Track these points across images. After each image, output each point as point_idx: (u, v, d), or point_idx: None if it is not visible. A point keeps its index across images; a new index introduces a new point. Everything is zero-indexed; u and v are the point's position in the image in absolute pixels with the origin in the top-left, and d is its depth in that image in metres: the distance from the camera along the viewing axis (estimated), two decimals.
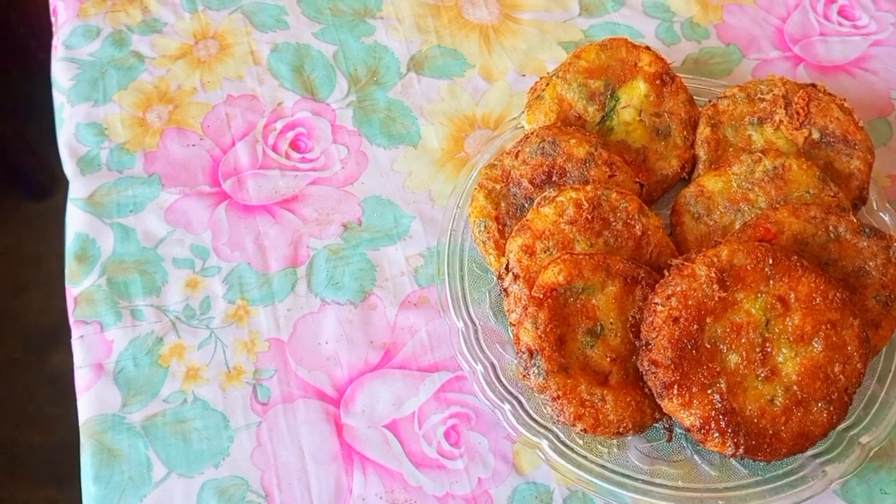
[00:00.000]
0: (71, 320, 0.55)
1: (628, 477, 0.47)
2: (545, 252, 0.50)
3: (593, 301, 0.47)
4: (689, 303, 0.45)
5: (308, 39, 0.66)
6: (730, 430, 0.44)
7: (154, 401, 0.52)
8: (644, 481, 0.47)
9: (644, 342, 0.46)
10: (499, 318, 0.53)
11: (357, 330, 0.54)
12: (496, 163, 0.54)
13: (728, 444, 0.44)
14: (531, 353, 0.46)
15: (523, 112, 0.57)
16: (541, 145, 0.53)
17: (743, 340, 0.45)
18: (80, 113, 0.63)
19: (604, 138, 0.55)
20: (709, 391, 0.44)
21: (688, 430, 0.45)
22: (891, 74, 0.65)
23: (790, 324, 0.45)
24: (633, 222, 0.50)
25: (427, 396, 0.52)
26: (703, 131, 0.55)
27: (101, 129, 0.62)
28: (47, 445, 1.20)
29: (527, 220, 0.50)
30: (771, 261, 0.45)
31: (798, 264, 0.46)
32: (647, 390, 0.47)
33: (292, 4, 0.68)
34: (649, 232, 0.50)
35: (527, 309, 0.46)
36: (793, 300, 0.45)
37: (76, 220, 0.58)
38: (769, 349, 0.45)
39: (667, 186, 0.55)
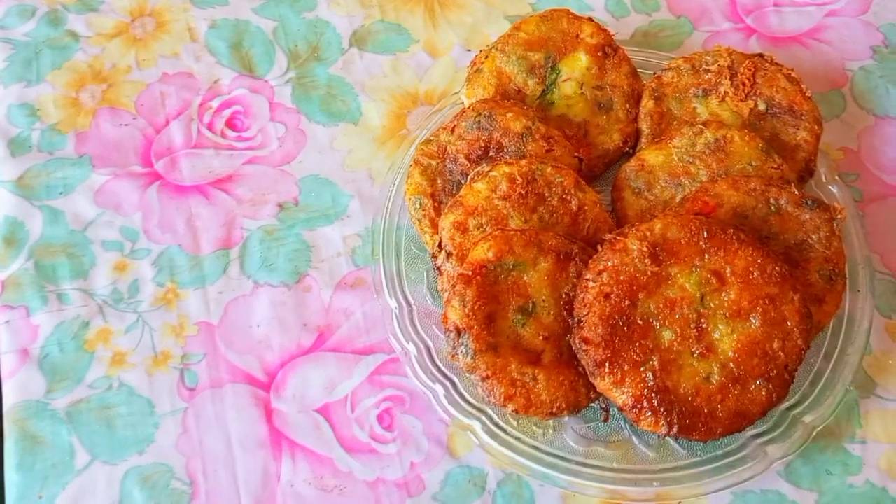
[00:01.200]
0: None
1: (562, 458, 0.46)
2: (478, 228, 0.48)
3: (525, 278, 0.46)
4: (621, 278, 0.44)
5: (247, 15, 0.64)
6: (663, 409, 0.42)
7: (79, 387, 0.50)
8: (578, 462, 0.46)
9: (576, 319, 0.44)
10: (436, 298, 0.51)
11: (290, 312, 0.52)
12: (432, 138, 0.53)
13: (661, 424, 0.43)
14: (459, 332, 0.44)
15: (463, 86, 0.56)
16: (477, 119, 0.52)
17: (677, 316, 0.44)
18: (13, 94, 0.61)
19: (543, 112, 0.54)
20: (641, 369, 0.43)
21: (620, 409, 0.44)
22: (846, 45, 0.63)
23: (726, 299, 0.44)
24: (568, 197, 0.48)
25: (361, 380, 0.50)
26: (647, 104, 0.54)
27: (33, 110, 0.60)
28: None
29: (460, 196, 0.49)
30: (706, 234, 0.44)
31: (734, 237, 0.44)
32: (581, 369, 0.45)
33: None
34: (586, 207, 0.49)
35: (455, 287, 0.45)
36: (729, 274, 0.44)
37: (5, 204, 0.56)
38: (704, 325, 0.44)
39: (609, 161, 0.54)
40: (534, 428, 0.47)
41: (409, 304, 0.51)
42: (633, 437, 0.47)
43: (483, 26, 0.64)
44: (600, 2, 0.65)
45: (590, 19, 0.55)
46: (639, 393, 0.43)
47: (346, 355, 0.51)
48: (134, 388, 0.50)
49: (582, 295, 0.44)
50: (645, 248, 0.44)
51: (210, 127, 0.59)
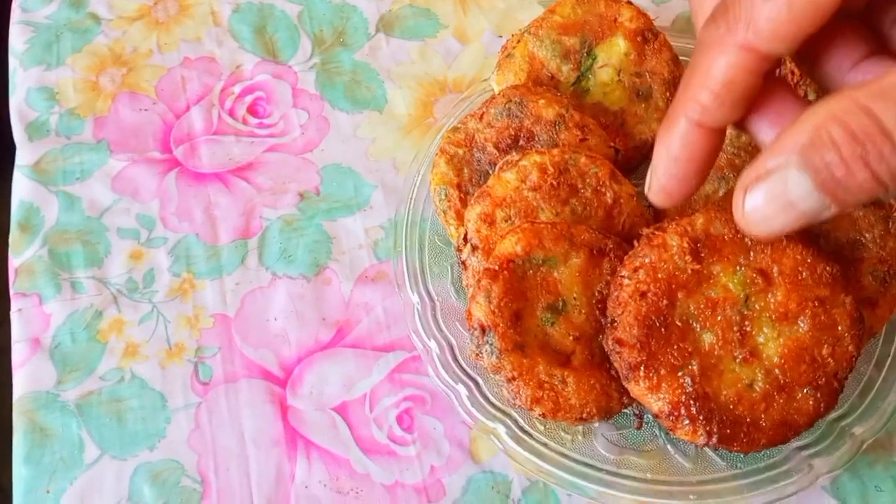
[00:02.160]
0: (11, 292, 0.52)
1: (592, 467, 0.43)
2: (506, 221, 0.45)
3: (555, 274, 0.43)
4: (659, 276, 0.40)
5: None
6: (701, 417, 0.39)
7: (90, 378, 0.48)
8: (610, 472, 0.43)
9: (610, 319, 0.41)
10: (460, 293, 0.49)
11: (309, 306, 0.50)
12: (460, 126, 0.50)
13: (699, 433, 0.39)
14: (483, 330, 0.42)
15: (493, 73, 0.53)
16: (507, 106, 0.49)
17: (719, 318, 0.40)
18: (32, 77, 0.60)
19: (578, 100, 0.51)
20: (679, 374, 0.40)
21: (656, 416, 0.40)
22: None
23: (772, 300, 0.40)
24: (603, 189, 0.46)
25: (380, 378, 0.48)
26: None
27: (51, 94, 0.59)
28: None
29: (487, 187, 0.46)
30: None
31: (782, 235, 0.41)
32: (613, 372, 0.42)
33: None
34: (622, 200, 0.46)
35: (480, 282, 0.42)
36: (776, 274, 0.41)
37: (21, 188, 0.55)
38: (748, 328, 0.40)
39: (647, 152, 0.51)
40: (562, 433, 0.45)
41: (431, 299, 0.48)
42: (669, 446, 0.44)
43: (516, 11, 0.61)
44: None
45: (629, 3, 0.52)
46: (676, 399, 0.40)
47: (365, 352, 0.49)
48: (146, 380, 0.48)
49: (616, 293, 0.41)
50: (686, 244, 0.41)
51: (231, 113, 0.57)
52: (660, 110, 0.51)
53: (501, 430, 0.44)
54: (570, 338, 0.43)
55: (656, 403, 0.40)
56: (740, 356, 0.40)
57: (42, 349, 0.49)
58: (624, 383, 0.41)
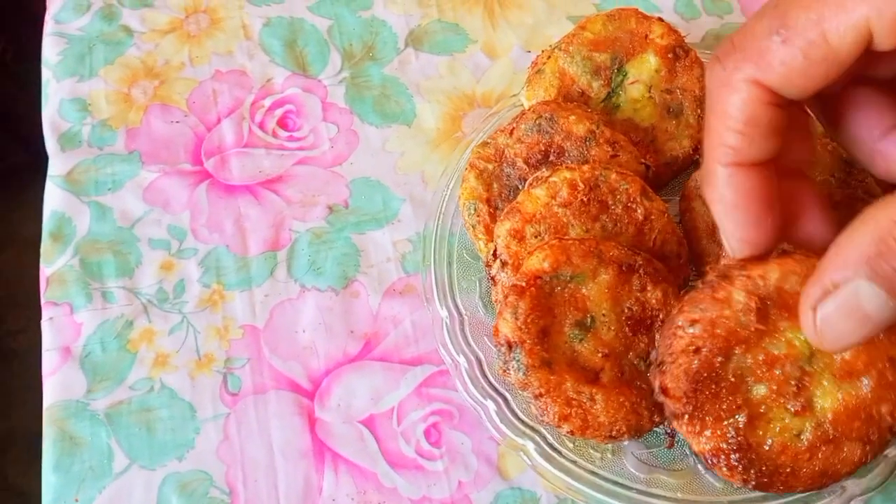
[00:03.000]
0: (42, 301, 0.52)
1: (622, 486, 0.43)
2: (536, 237, 0.45)
3: (583, 290, 0.43)
4: (717, 331, 0.38)
5: (302, 13, 0.63)
6: (740, 467, 0.38)
7: (120, 387, 0.49)
8: (640, 491, 0.43)
9: (658, 360, 0.39)
10: (488, 308, 0.49)
11: (337, 318, 0.51)
12: (489, 141, 0.50)
13: (737, 478, 0.38)
14: (510, 346, 0.42)
15: (523, 88, 0.53)
16: (537, 122, 0.49)
17: (777, 373, 0.38)
18: (65, 88, 0.60)
19: (608, 116, 0.51)
20: (724, 423, 0.38)
21: (696, 454, 0.39)
22: None
23: (839, 359, 0.38)
24: (634, 206, 0.46)
25: (408, 391, 0.48)
26: None
27: (84, 105, 0.59)
28: (9, 433, 1.19)
29: (517, 203, 0.46)
30: None
31: None
32: (644, 387, 0.42)
33: None
34: (652, 217, 0.46)
35: (507, 298, 0.42)
36: None
37: (53, 198, 0.56)
38: (807, 383, 0.38)
39: (677, 169, 0.51)
40: (591, 451, 0.44)
41: (460, 314, 0.48)
42: (699, 466, 0.44)
43: (544, 27, 0.61)
44: (669, 3, 0.62)
45: (660, 19, 0.52)
46: (717, 447, 0.38)
47: (392, 365, 0.49)
48: (176, 391, 0.49)
49: (669, 341, 0.38)
50: (753, 304, 0.37)
51: (261, 126, 0.58)
52: (691, 127, 0.51)
53: (530, 446, 0.44)
54: (599, 354, 0.43)
55: (697, 445, 0.38)
56: (793, 409, 0.38)
57: (73, 358, 0.50)
58: (668, 425, 0.41)
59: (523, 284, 0.43)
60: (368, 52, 0.61)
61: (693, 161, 0.51)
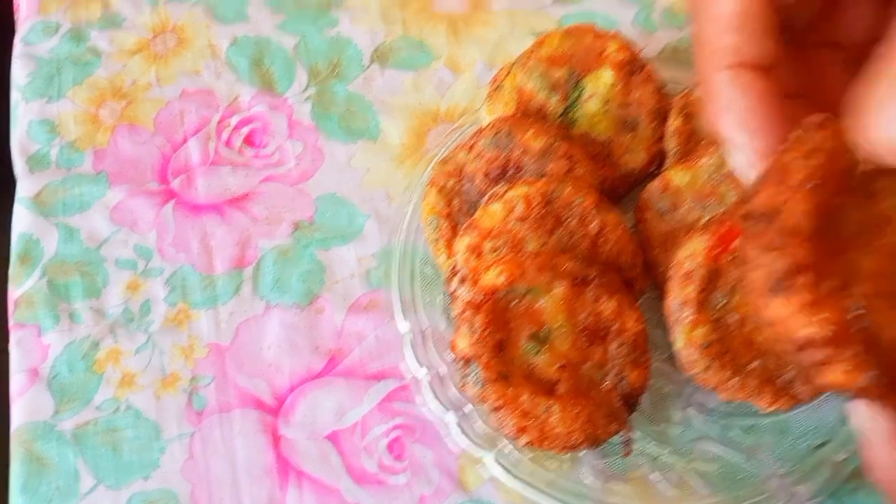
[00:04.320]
0: (10, 324, 0.53)
1: (579, 495, 0.44)
2: (494, 252, 0.46)
3: (539, 304, 0.44)
4: (835, 167, 0.30)
5: (269, 32, 0.64)
6: (864, 354, 0.28)
7: (86, 408, 0.49)
8: (595, 500, 0.44)
9: (769, 210, 0.29)
10: (450, 322, 0.49)
11: (302, 335, 0.51)
12: (450, 157, 0.51)
13: (862, 372, 0.28)
14: (467, 361, 0.42)
15: (483, 104, 0.54)
16: (495, 138, 0.50)
17: (883, 234, 0.30)
18: (34, 110, 0.61)
19: (566, 130, 0.52)
20: (844, 297, 0.29)
21: (802, 346, 0.29)
22: None
23: None
24: (588, 219, 0.46)
25: (371, 406, 0.49)
26: (674, 122, 0.51)
27: (52, 126, 0.60)
28: None
29: (475, 219, 0.47)
30: None
31: None
32: (598, 399, 0.43)
33: None
34: (607, 229, 0.46)
35: (463, 313, 0.43)
36: None
37: (21, 220, 0.56)
38: None
39: (633, 181, 0.51)
40: (549, 462, 0.45)
41: (422, 328, 0.49)
42: (654, 474, 0.44)
43: (507, 43, 0.62)
44: (628, 16, 0.63)
45: (616, 35, 0.53)
46: (844, 322, 0.29)
47: (357, 381, 0.50)
48: (141, 411, 0.49)
49: (776, 175, 0.30)
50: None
51: (228, 144, 0.59)
52: (646, 140, 0.51)
53: (489, 458, 0.45)
54: (555, 366, 0.43)
55: (809, 328, 0.29)
56: None
57: (40, 380, 0.50)
58: (759, 298, 0.30)
59: (479, 299, 0.43)
60: (334, 70, 0.62)
61: (648, 173, 0.52)
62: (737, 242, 0.42)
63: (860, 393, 0.28)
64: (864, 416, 0.28)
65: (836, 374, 0.28)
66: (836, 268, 0.29)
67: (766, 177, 0.30)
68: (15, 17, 0.68)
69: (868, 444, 0.28)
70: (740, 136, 0.29)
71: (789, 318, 0.29)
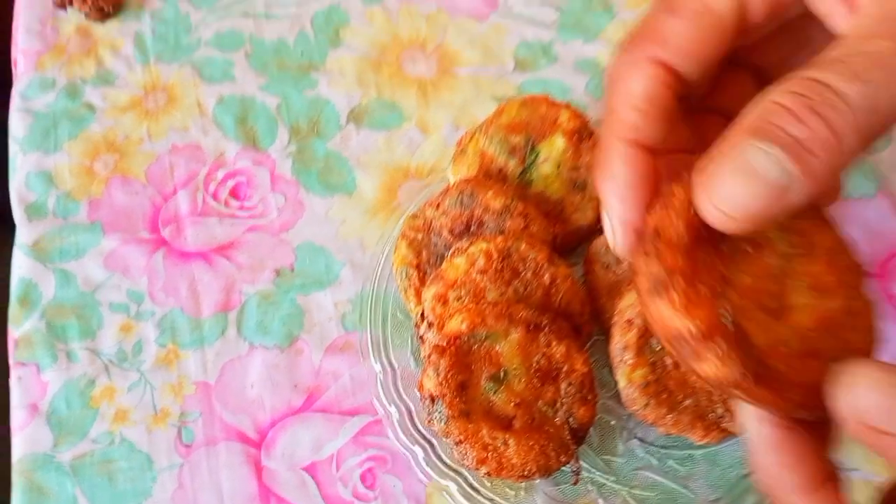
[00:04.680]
0: (11, 362, 0.57)
1: None
2: (458, 300, 0.52)
3: (497, 348, 0.49)
4: None
5: (253, 92, 0.69)
6: (733, 347, 0.32)
7: (83, 441, 0.54)
8: None
9: (654, 229, 0.33)
10: (419, 363, 0.55)
11: (282, 374, 0.56)
12: (419, 213, 0.57)
13: (733, 362, 0.31)
14: (433, 399, 0.48)
15: (449, 165, 0.60)
16: (459, 197, 0.56)
17: (759, 256, 0.34)
18: (31, 162, 0.65)
19: (523, 191, 0.58)
20: (717, 302, 0.33)
21: (674, 337, 0.32)
22: None
23: (812, 269, 0.35)
24: (542, 272, 0.52)
25: (346, 440, 0.54)
26: None
27: (49, 178, 0.65)
28: None
29: (441, 270, 0.53)
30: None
31: (826, 217, 0.36)
32: (552, 431, 0.48)
33: (240, 58, 0.71)
34: (558, 280, 0.52)
35: (430, 356, 0.48)
36: (815, 241, 0.35)
37: (21, 266, 0.61)
38: (785, 285, 0.34)
39: (582, 237, 0.58)
40: (507, 490, 0.50)
41: (393, 368, 0.54)
42: (600, 500, 0.50)
43: (471, 106, 0.68)
44: (580, 84, 0.69)
45: (567, 105, 0.59)
46: (713, 319, 0.32)
47: (333, 416, 0.55)
48: (134, 443, 0.53)
49: (663, 201, 0.33)
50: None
51: (215, 196, 0.64)
52: (594, 199, 0.58)
53: (453, 487, 0.50)
54: (512, 404, 0.49)
55: (685, 321, 0.31)
56: (775, 307, 0.34)
57: (40, 414, 0.54)
58: (643, 300, 0.33)
59: (444, 344, 0.49)
60: (313, 128, 0.67)
61: (596, 230, 0.58)
62: None
63: (730, 386, 0.31)
64: (749, 424, 0.32)
65: (709, 366, 0.32)
66: (711, 279, 0.33)
67: (657, 205, 0.33)
68: (13, 72, 0.73)
69: (753, 449, 0.31)
70: (614, 204, 0.33)
71: (665, 316, 0.32)
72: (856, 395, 0.28)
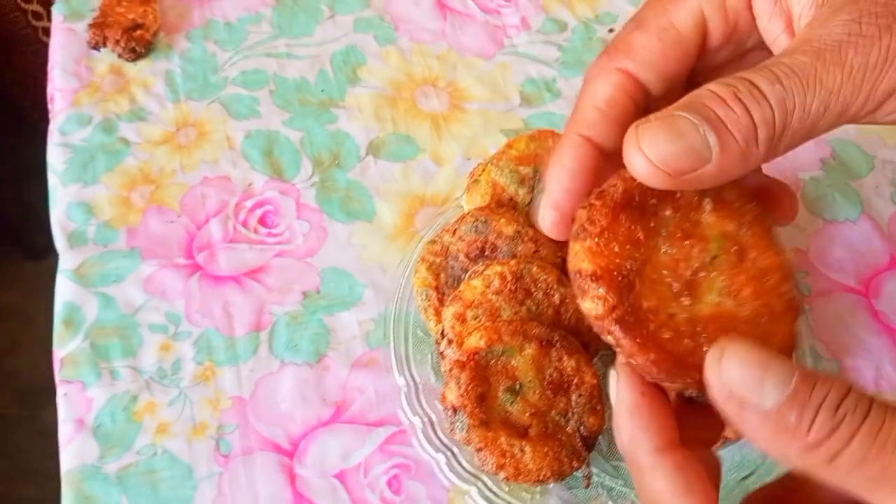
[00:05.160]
0: (57, 379, 0.61)
1: None
2: (475, 319, 0.56)
3: (512, 362, 0.54)
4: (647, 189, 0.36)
5: (278, 127, 0.74)
6: (615, 294, 0.35)
7: (128, 453, 0.58)
8: None
9: (601, 191, 0.36)
10: (438, 376, 0.59)
11: (311, 389, 0.60)
12: (437, 239, 0.61)
13: (604, 303, 0.35)
14: (455, 410, 0.52)
15: (463, 194, 0.65)
16: (474, 224, 0.60)
17: (685, 244, 0.37)
18: (71, 193, 0.70)
19: (531, 218, 0.62)
20: (620, 258, 0.36)
21: (573, 273, 0.36)
22: (798, 157, 0.72)
23: (733, 274, 0.37)
24: (552, 292, 0.57)
25: (372, 449, 0.58)
26: None
27: (89, 208, 0.69)
28: (37, 499, 1.24)
29: (459, 291, 0.57)
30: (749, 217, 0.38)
31: (771, 236, 0.39)
32: (564, 439, 0.53)
33: (265, 95, 0.76)
34: (567, 300, 0.57)
35: (451, 371, 0.53)
36: (749, 258, 0.38)
37: (65, 290, 0.65)
38: (702, 275, 0.37)
39: None
40: (523, 493, 0.55)
41: (415, 382, 0.59)
42: (610, 503, 0.54)
43: (481, 139, 0.73)
44: None
45: None
46: (608, 266, 0.35)
47: (359, 427, 0.59)
48: (175, 454, 0.58)
49: (606, 187, 0.36)
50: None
51: (244, 224, 0.68)
52: None
53: (474, 491, 0.54)
54: (527, 414, 0.53)
55: (583, 263, 0.36)
56: (677, 289, 0.37)
57: (86, 428, 0.58)
58: (571, 240, 0.37)
59: (464, 359, 0.53)
60: (335, 160, 0.72)
61: None
62: None
63: (603, 327, 0.35)
64: (614, 389, 0.35)
65: (588, 303, 0.36)
66: (626, 240, 0.36)
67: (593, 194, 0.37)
68: (49, 107, 0.77)
69: (616, 413, 0.35)
70: (552, 186, 0.37)
71: (575, 255, 0.36)
72: (728, 367, 0.30)
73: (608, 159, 0.36)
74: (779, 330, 0.37)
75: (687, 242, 0.37)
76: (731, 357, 0.30)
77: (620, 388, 0.35)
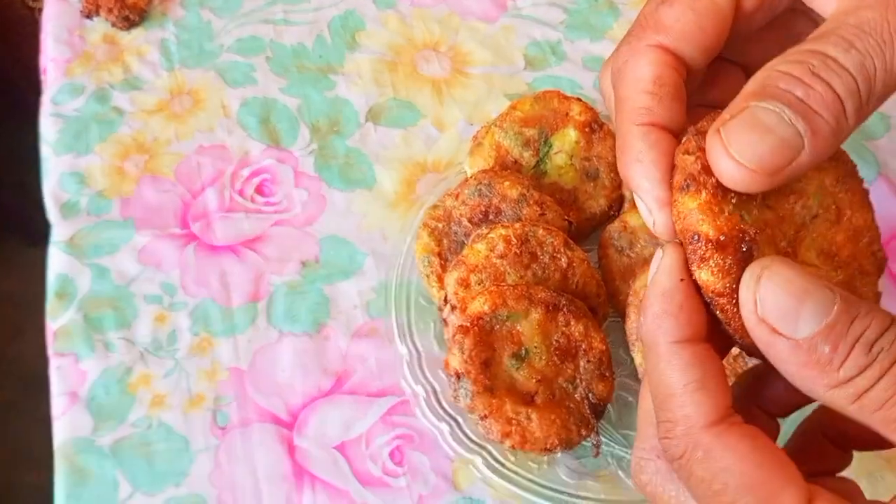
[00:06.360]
0: (50, 353, 0.59)
1: (555, 490, 0.51)
2: (479, 284, 0.54)
3: (518, 327, 0.52)
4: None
5: (275, 94, 0.72)
6: (738, 267, 0.31)
7: (122, 425, 0.56)
8: (570, 494, 0.51)
9: (696, 131, 0.33)
10: (441, 345, 0.57)
11: (311, 359, 0.59)
12: (439, 204, 0.59)
13: (731, 281, 0.31)
14: (458, 377, 0.50)
15: (466, 158, 0.63)
16: (478, 187, 0.58)
17: (790, 199, 0.34)
18: (64, 163, 0.68)
19: (537, 181, 0.60)
20: (742, 212, 0.32)
21: (691, 234, 0.31)
22: None
23: (830, 233, 0.35)
24: (558, 256, 0.55)
25: (374, 419, 0.56)
26: None
27: (82, 178, 0.67)
28: (39, 485, 1.23)
29: (462, 256, 0.55)
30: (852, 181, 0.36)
31: (864, 192, 0.37)
32: (572, 406, 0.51)
33: (261, 62, 0.74)
34: (574, 264, 0.55)
35: (455, 336, 0.51)
36: (846, 214, 0.36)
37: (57, 262, 0.63)
38: (801, 234, 0.35)
39: (596, 224, 0.60)
40: (530, 463, 0.53)
41: (417, 351, 0.57)
42: (620, 472, 0.52)
43: (484, 103, 0.71)
44: (589, 80, 0.72)
45: (578, 99, 0.62)
46: (733, 234, 0.31)
47: (361, 398, 0.57)
48: (171, 426, 0.56)
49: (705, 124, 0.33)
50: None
51: (241, 193, 0.66)
52: (606, 188, 0.60)
53: (479, 461, 0.52)
54: (533, 380, 0.51)
55: (703, 225, 0.31)
56: (783, 245, 0.34)
57: (80, 401, 0.57)
58: (676, 193, 0.32)
59: (468, 325, 0.51)
60: (333, 127, 0.70)
61: (608, 216, 0.60)
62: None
63: (716, 301, 0.31)
64: (654, 268, 0.32)
65: (706, 274, 0.31)
66: (743, 201, 0.32)
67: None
68: (42, 79, 0.75)
69: (648, 293, 0.32)
70: (645, 185, 0.32)
71: (691, 210, 0.31)
72: (765, 288, 0.28)
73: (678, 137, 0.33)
74: (866, 290, 0.36)
75: (791, 198, 0.34)
76: (770, 279, 0.28)
77: (661, 270, 0.31)
